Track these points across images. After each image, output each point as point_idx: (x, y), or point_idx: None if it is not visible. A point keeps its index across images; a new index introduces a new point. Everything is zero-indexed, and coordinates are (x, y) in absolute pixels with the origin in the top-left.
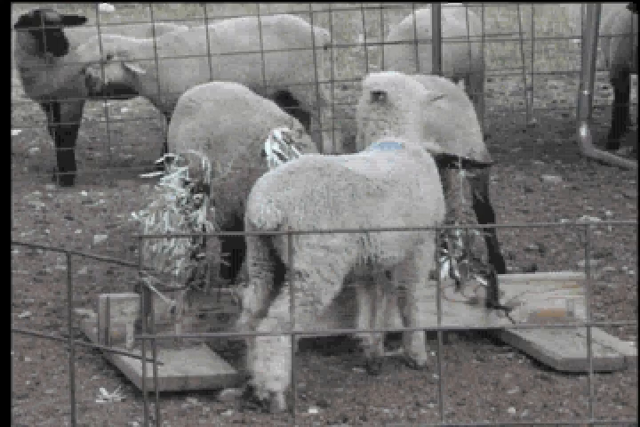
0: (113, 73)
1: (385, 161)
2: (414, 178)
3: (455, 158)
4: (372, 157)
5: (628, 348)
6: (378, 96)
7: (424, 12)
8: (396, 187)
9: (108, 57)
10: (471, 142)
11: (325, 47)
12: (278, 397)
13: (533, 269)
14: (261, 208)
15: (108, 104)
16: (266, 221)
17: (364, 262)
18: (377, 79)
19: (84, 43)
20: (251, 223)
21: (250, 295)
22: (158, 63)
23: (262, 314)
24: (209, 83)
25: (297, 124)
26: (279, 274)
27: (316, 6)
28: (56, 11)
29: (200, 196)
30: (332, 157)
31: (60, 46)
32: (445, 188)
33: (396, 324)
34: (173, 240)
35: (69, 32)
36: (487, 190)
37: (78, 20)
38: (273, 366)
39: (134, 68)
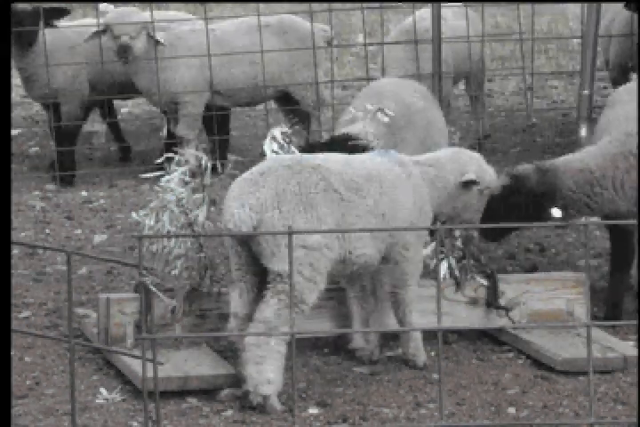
0: (137, 45)
1: (362, 160)
2: (391, 180)
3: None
4: (349, 156)
5: (627, 348)
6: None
7: (424, 12)
8: (370, 183)
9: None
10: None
11: (328, 43)
12: (272, 400)
13: (533, 270)
14: (235, 213)
15: None
16: (241, 226)
17: (341, 259)
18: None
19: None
20: (227, 229)
21: (235, 299)
22: (158, 60)
23: (249, 317)
24: None
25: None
26: (264, 277)
27: (315, 6)
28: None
29: (200, 196)
30: (304, 154)
31: (24, 40)
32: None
33: (392, 324)
34: (173, 240)
35: (68, 31)
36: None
37: (61, 13)
38: (264, 369)
39: (159, 37)
